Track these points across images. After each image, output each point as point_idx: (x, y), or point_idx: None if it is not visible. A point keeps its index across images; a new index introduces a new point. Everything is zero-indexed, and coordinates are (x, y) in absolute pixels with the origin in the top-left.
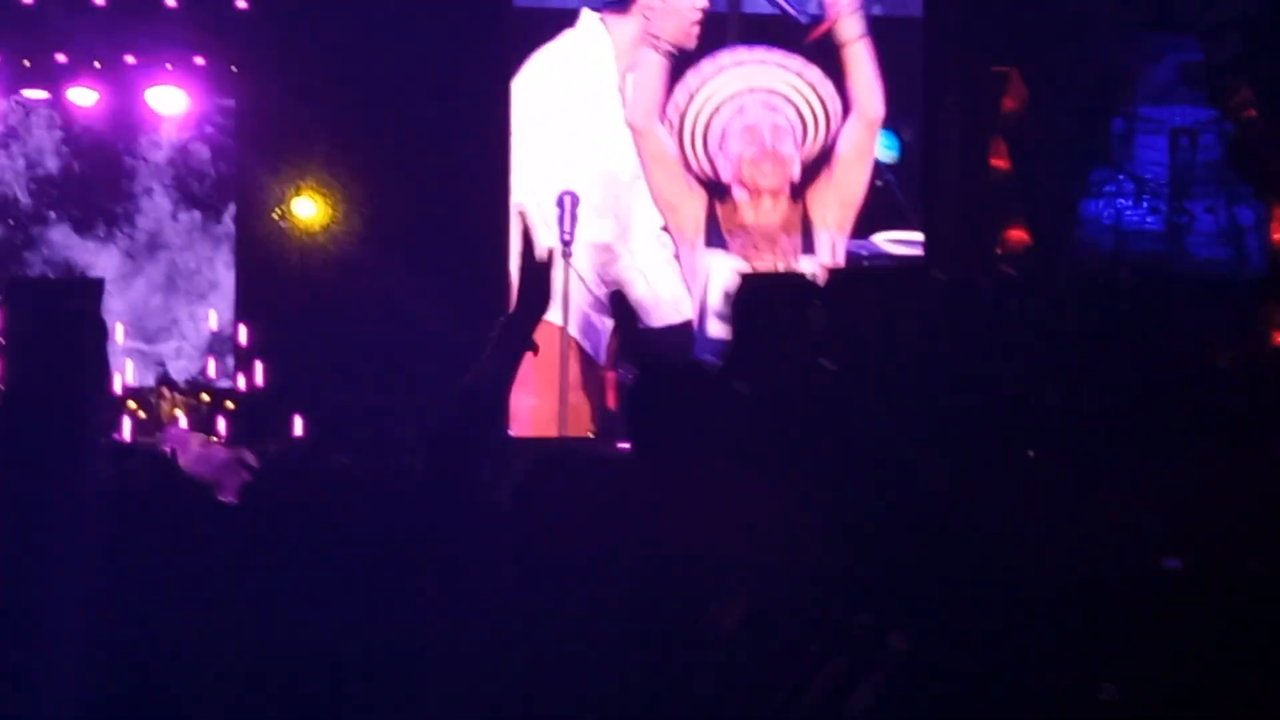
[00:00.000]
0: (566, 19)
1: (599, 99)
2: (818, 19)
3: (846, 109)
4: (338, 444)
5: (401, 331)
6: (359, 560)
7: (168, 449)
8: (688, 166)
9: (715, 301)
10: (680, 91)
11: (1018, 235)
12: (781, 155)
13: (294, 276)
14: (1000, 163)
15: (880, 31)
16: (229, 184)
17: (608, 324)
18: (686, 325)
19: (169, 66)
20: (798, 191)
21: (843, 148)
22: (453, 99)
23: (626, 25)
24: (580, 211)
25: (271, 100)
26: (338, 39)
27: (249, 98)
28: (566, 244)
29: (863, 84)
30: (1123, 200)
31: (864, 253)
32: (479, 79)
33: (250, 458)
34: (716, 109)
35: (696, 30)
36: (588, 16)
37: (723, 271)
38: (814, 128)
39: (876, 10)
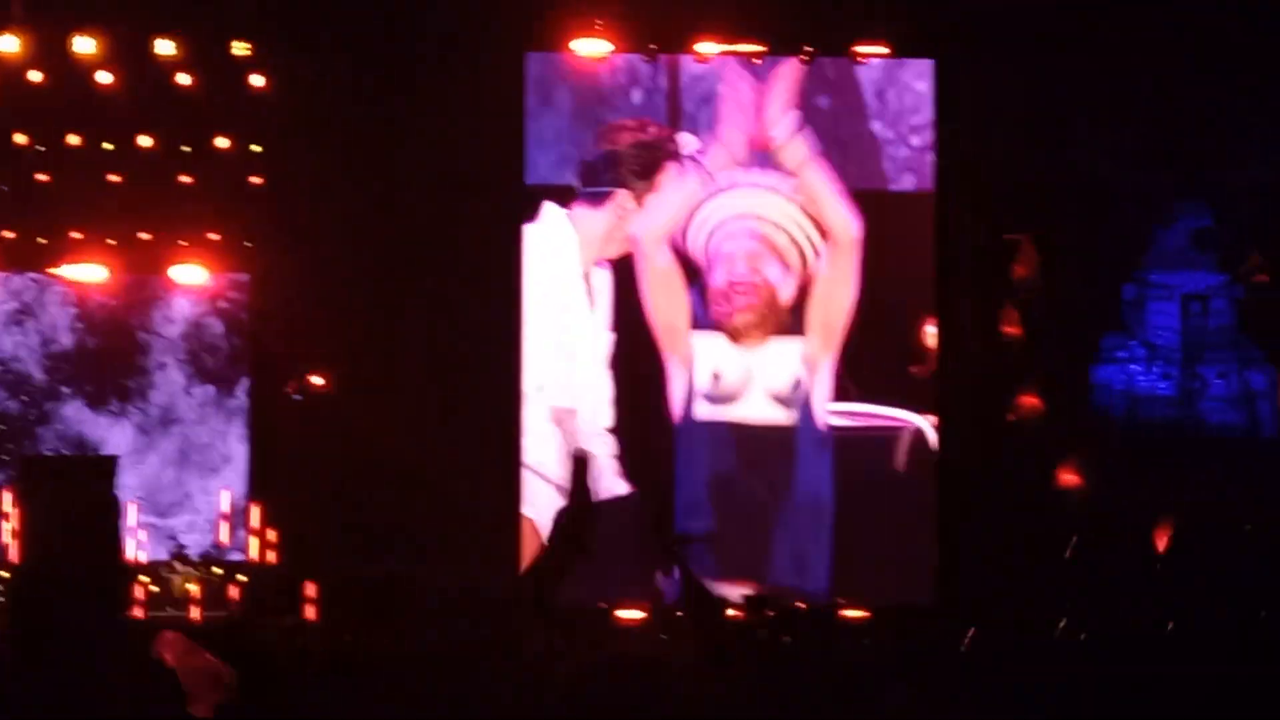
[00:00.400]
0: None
1: (564, 288)
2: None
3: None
4: (348, 620)
5: (418, 504)
6: None
7: (156, 651)
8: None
9: (703, 383)
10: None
11: (1030, 401)
12: (756, 284)
13: (307, 451)
14: (1013, 330)
15: (893, 205)
16: (242, 358)
17: None
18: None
19: (184, 243)
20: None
21: (822, 271)
22: (463, 278)
23: (598, 219)
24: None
25: (285, 274)
26: (349, 215)
27: (262, 272)
28: None
29: (827, 207)
30: (1135, 366)
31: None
32: (489, 256)
33: (229, 676)
34: (712, 234)
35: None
36: (550, 210)
37: (710, 352)
38: (799, 252)
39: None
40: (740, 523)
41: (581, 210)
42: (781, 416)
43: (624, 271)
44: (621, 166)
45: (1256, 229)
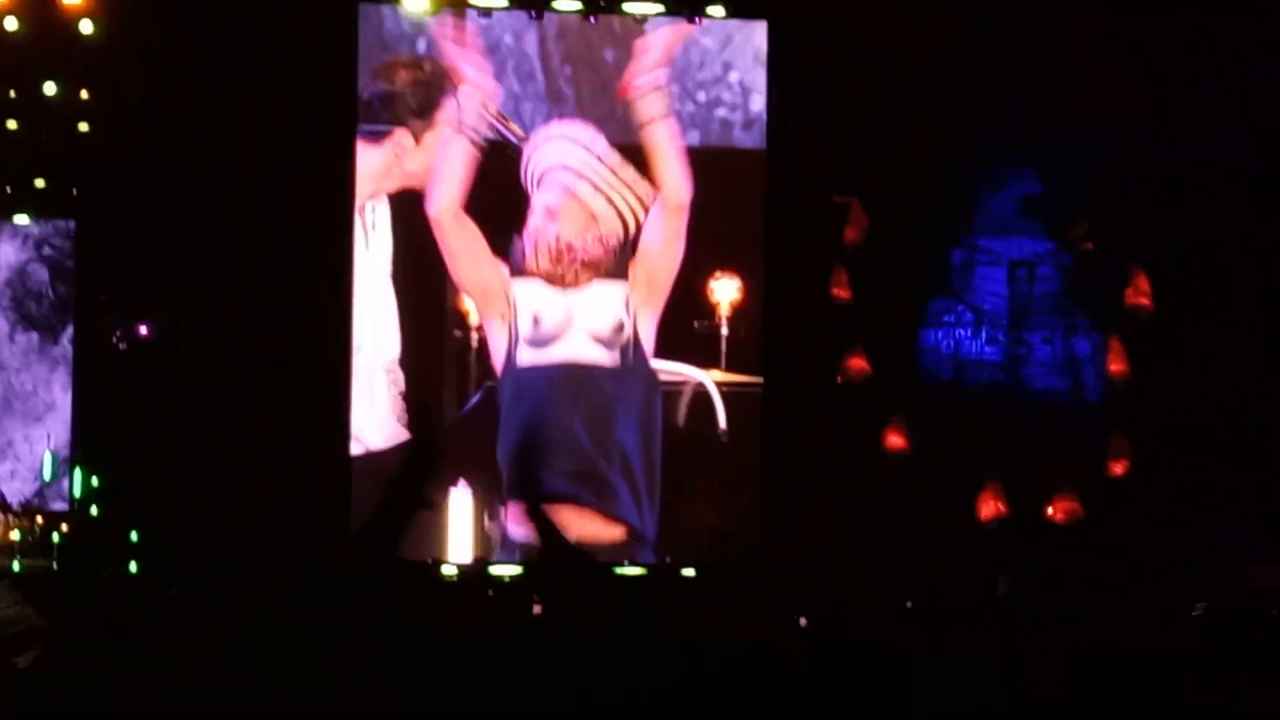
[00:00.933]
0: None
1: None
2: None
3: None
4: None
5: (241, 452)
6: None
7: None
8: (495, 250)
9: (525, 328)
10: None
11: (858, 364)
12: (575, 246)
13: (133, 398)
14: (841, 292)
15: (721, 161)
16: (67, 305)
17: None
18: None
19: (8, 189)
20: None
21: (649, 229)
22: (294, 225)
23: (372, 158)
24: None
25: (113, 221)
26: (179, 157)
27: (90, 218)
28: None
29: (667, 167)
30: (961, 330)
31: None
32: (319, 196)
33: (39, 622)
34: (538, 181)
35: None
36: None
37: (530, 298)
38: (618, 212)
39: (705, 139)
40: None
41: (360, 145)
42: (604, 358)
43: (407, 207)
44: (398, 104)
45: (1084, 196)
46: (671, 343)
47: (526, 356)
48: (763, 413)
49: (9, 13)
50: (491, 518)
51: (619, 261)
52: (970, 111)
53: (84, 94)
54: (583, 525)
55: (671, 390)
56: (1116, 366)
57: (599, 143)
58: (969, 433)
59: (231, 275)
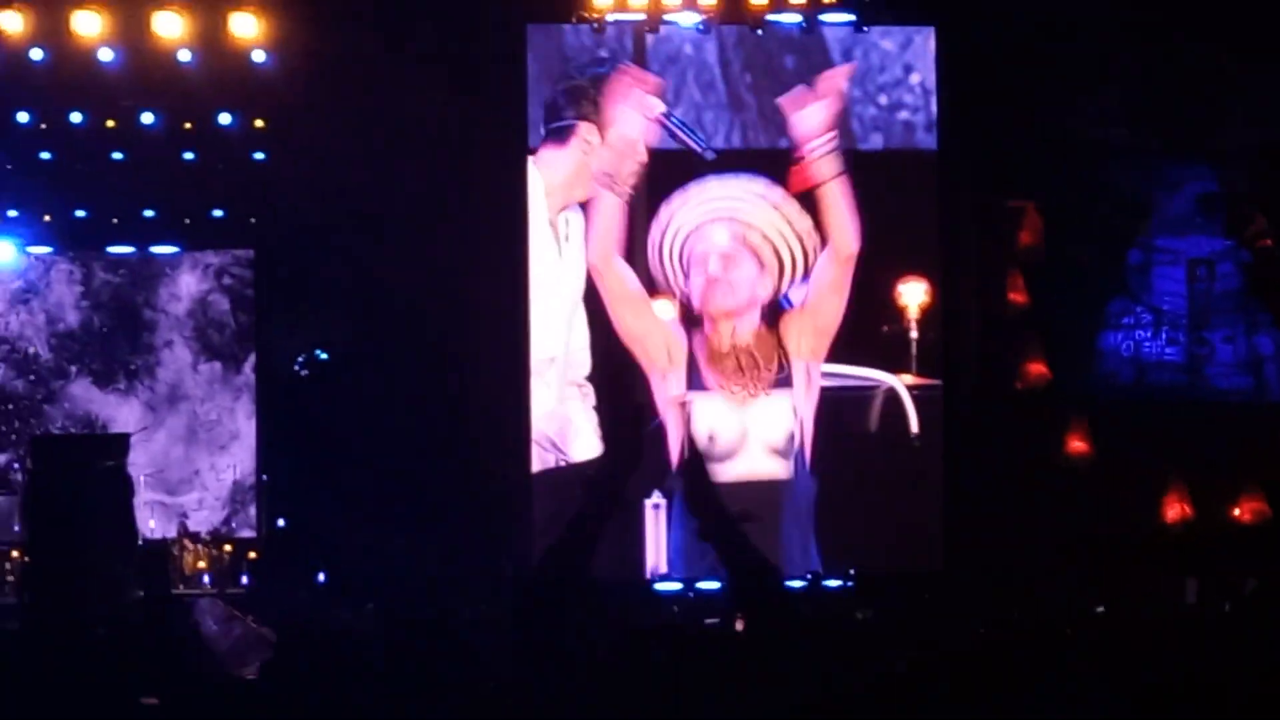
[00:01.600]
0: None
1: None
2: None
3: (824, 242)
4: (359, 595)
5: (425, 477)
6: None
7: (194, 619)
8: (654, 297)
9: (703, 441)
10: (655, 226)
11: (1037, 369)
12: (731, 281)
13: (315, 426)
14: (1018, 297)
15: (893, 165)
16: (248, 334)
17: None
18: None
19: (187, 221)
20: (770, 319)
21: (817, 279)
22: (470, 246)
23: (561, 162)
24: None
25: (290, 250)
26: (353, 186)
27: (268, 248)
28: None
29: (838, 221)
30: (1141, 332)
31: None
32: (494, 220)
33: (270, 636)
34: (686, 239)
35: (639, 169)
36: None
37: (705, 413)
38: (789, 258)
39: (888, 143)
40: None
41: (546, 153)
42: (778, 470)
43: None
44: (583, 99)
45: (1262, 193)
46: (861, 347)
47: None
48: (945, 416)
49: (183, 45)
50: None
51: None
52: (1143, 109)
53: (258, 123)
54: None
55: (861, 395)
56: None
57: (774, 193)
58: (1152, 435)
59: (408, 298)
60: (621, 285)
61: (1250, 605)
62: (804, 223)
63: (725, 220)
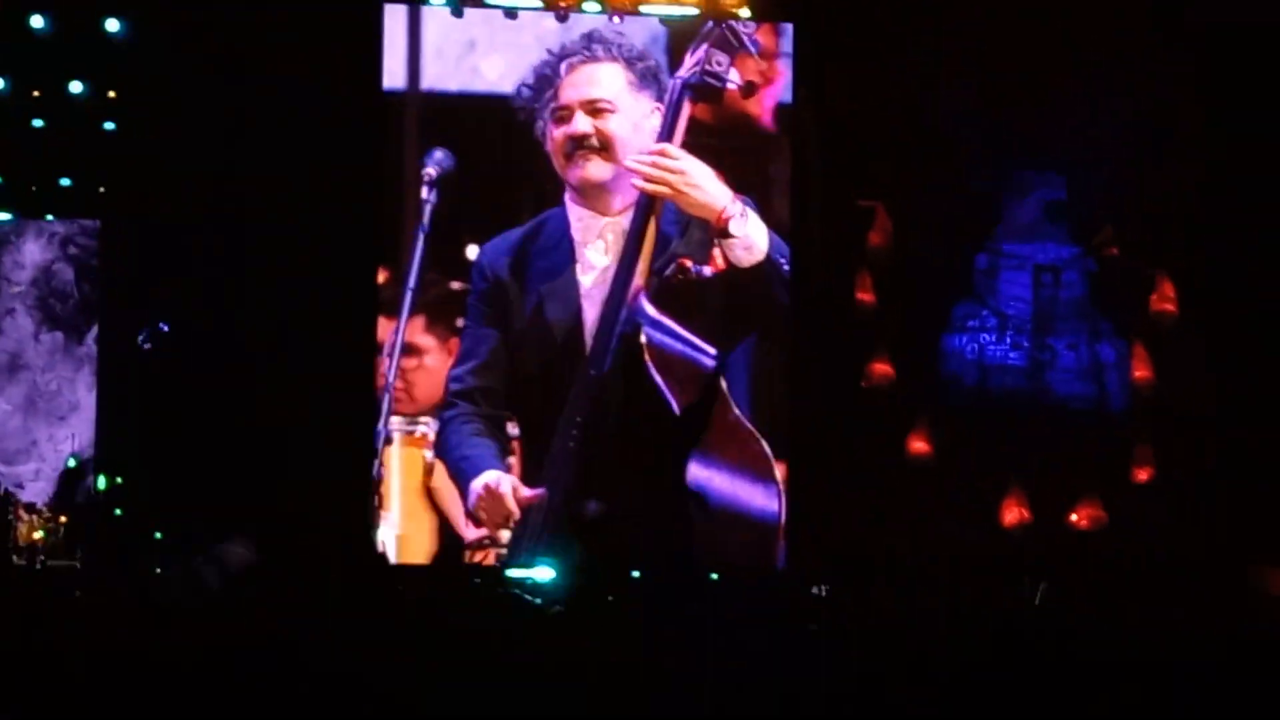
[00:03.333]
0: None
1: None
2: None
3: None
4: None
5: (264, 452)
6: None
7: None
8: None
9: None
10: None
11: (882, 369)
12: None
13: (156, 398)
14: (866, 296)
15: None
16: (92, 305)
17: None
18: None
19: (34, 188)
20: None
21: None
22: (320, 224)
23: None
24: None
25: (138, 221)
26: (208, 158)
27: (115, 218)
28: None
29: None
30: (986, 335)
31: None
32: (345, 196)
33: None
34: None
35: None
36: None
37: None
38: None
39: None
40: None
41: None
42: None
43: None
44: None
45: (1109, 202)
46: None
47: None
48: (790, 414)
49: (35, 9)
50: None
51: None
52: (995, 115)
53: (110, 93)
54: None
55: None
56: (1141, 373)
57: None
58: (992, 439)
59: (253, 273)
60: None
61: (1041, 610)
62: None
63: None
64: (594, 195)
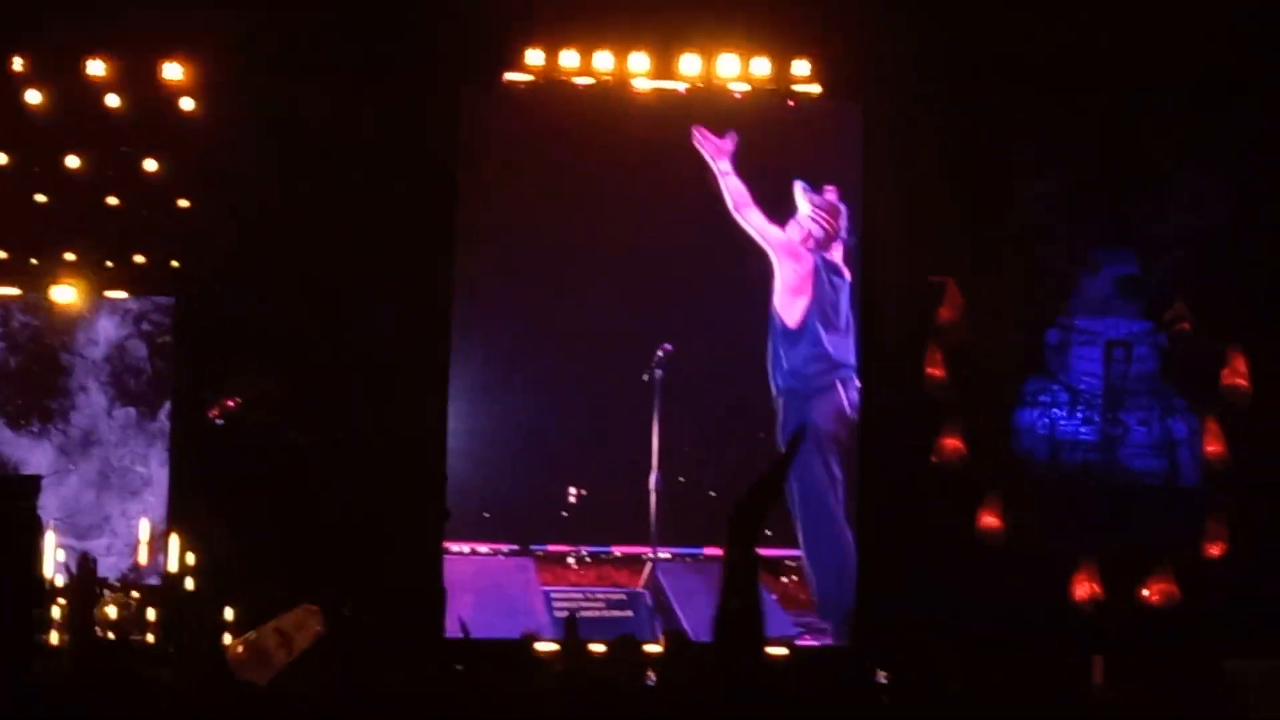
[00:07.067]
0: None
1: None
2: None
3: None
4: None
5: (339, 529)
6: None
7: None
8: None
9: None
10: None
11: (953, 444)
12: None
13: (228, 475)
14: (936, 371)
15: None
16: (165, 381)
17: None
18: None
19: (110, 264)
20: None
21: None
22: (391, 301)
23: None
24: None
25: (211, 298)
26: (280, 235)
27: (188, 295)
28: None
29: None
30: (1057, 410)
31: None
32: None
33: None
34: None
35: None
36: None
37: None
38: None
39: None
40: None
41: None
42: None
43: None
44: None
45: (1181, 277)
46: None
47: None
48: (861, 490)
49: (111, 89)
50: None
51: None
52: (1067, 192)
53: (184, 170)
54: None
55: None
56: (1213, 448)
57: None
58: (1064, 513)
59: (324, 349)
60: None
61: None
62: None
63: None
64: None
